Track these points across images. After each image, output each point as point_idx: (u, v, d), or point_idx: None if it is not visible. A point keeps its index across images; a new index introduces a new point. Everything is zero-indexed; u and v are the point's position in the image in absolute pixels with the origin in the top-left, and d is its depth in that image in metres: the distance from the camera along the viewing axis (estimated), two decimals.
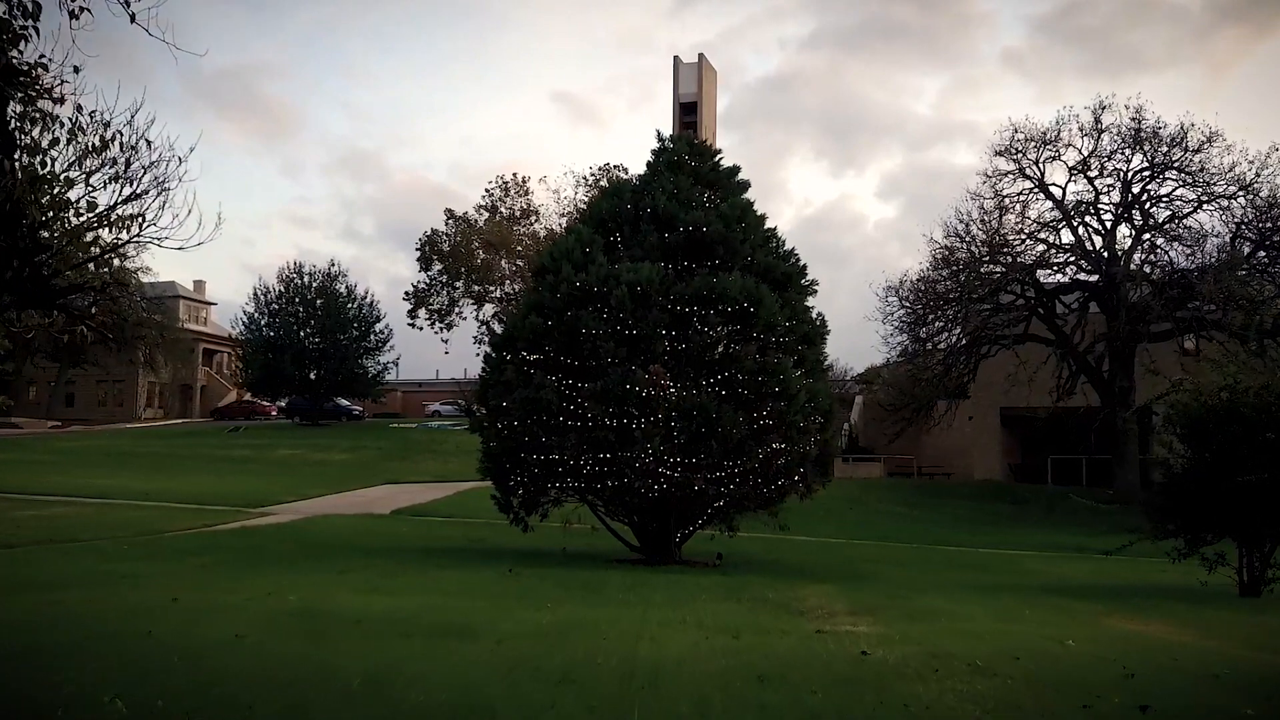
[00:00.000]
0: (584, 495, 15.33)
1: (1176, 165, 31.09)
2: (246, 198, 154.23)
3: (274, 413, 61.07)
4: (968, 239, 33.23)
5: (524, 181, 56.59)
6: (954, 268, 33.13)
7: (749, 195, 16.75)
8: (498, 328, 17.19)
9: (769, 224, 16.68)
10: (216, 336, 71.61)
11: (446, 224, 56.55)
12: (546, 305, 15.09)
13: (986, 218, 33.13)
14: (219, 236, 8.00)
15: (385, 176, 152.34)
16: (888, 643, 7.30)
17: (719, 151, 17.23)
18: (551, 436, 14.40)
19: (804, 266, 16.51)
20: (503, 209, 55.86)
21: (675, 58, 23.81)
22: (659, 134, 17.18)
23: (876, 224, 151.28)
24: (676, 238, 15.53)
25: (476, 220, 56.09)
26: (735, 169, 16.99)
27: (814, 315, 16.49)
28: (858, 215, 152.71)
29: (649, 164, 16.90)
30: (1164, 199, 32.13)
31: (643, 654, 6.55)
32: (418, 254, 56.13)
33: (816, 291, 16.63)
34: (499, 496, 15.85)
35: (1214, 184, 30.77)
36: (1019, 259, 32.91)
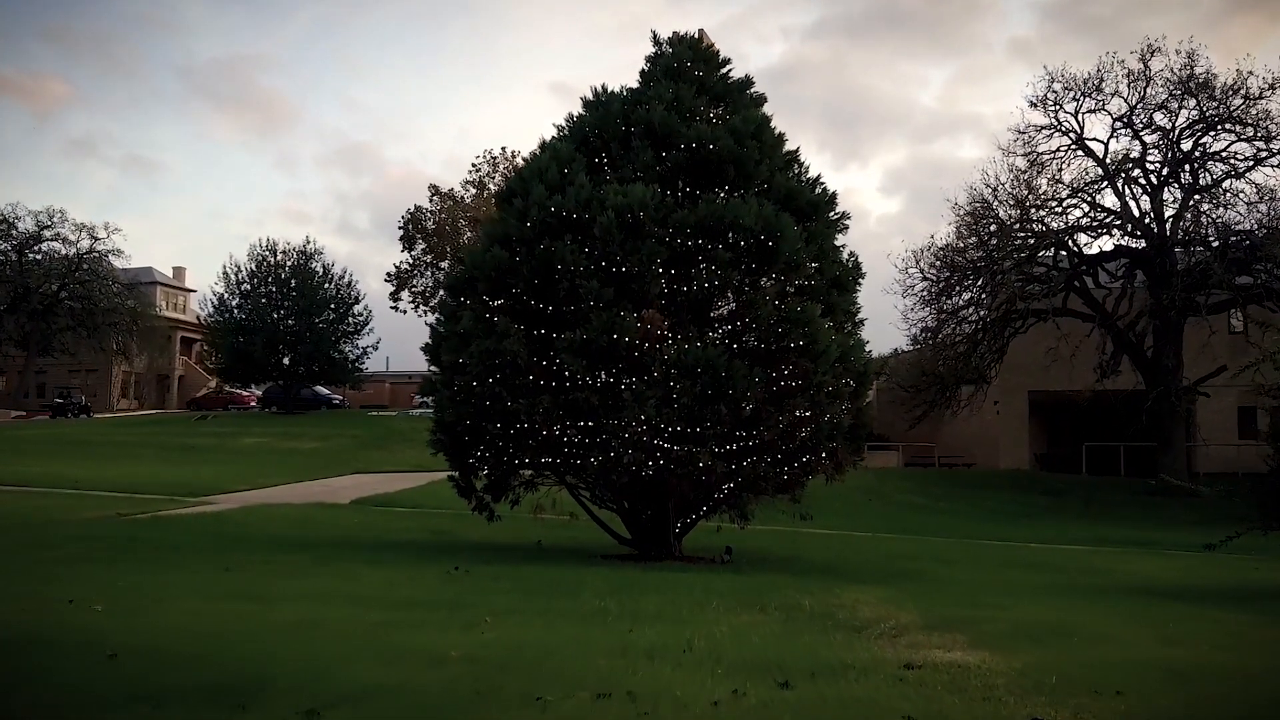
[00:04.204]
0: (562, 475, 12.42)
1: (1235, 116, 27.90)
2: (242, 194, 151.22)
3: (252, 403, 57.82)
4: (996, 203, 30.06)
5: (513, 156, 53.20)
6: (982, 235, 29.95)
7: (766, 112, 13.65)
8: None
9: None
10: (195, 325, 68.33)
11: (431, 200, 53.30)
12: (513, 236, 12.02)
13: (1019, 177, 29.94)
14: None
15: (380, 170, 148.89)
16: (1047, 691, 4.24)
17: (728, 61, 14.13)
18: (519, 400, 11.35)
19: (834, 195, 13.44)
20: (491, 185, 52.52)
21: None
22: (655, 35, 14.09)
23: (879, 219, 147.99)
24: (677, 157, 12.45)
25: (463, 197, 52.83)
26: (748, 80, 13.89)
27: (845, 256, 13.40)
28: (860, 210, 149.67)
29: (643, 72, 13.79)
30: (1218, 155, 28.94)
31: None
32: (400, 233, 52.85)
33: (848, 227, 13.58)
34: (458, 478, 12.86)
35: (1276, 137, 27.58)
36: (1054, 223, 29.75)
